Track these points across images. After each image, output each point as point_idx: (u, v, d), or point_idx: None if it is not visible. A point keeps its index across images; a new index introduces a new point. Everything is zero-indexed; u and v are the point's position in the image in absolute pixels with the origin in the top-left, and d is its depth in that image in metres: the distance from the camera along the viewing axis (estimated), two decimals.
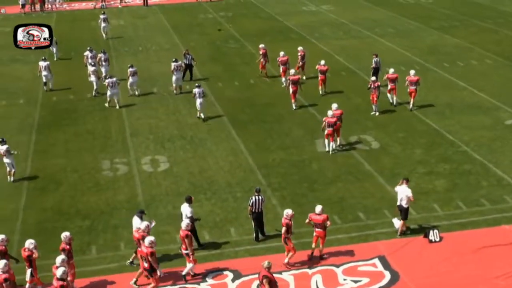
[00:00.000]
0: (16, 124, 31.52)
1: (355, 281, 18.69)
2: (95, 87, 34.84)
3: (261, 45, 37.55)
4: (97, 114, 32.59)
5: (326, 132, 27.04)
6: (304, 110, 32.15)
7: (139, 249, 18.46)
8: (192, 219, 19.79)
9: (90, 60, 36.82)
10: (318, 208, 19.71)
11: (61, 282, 16.64)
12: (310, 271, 19.23)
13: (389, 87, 32.16)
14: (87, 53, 37.74)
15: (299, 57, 36.13)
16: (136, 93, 34.99)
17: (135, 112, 32.69)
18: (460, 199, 23.10)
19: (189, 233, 18.87)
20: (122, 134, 30.06)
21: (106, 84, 33.05)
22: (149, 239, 18.07)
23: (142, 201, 23.82)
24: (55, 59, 41.36)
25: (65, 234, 18.61)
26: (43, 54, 37.36)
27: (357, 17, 52.62)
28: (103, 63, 36.80)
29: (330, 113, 27.14)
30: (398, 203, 20.96)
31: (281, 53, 35.95)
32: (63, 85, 36.83)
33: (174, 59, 35.08)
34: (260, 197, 20.80)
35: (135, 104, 33.86)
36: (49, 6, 59.75)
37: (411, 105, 31.70)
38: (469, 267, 19.21)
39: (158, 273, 18.29)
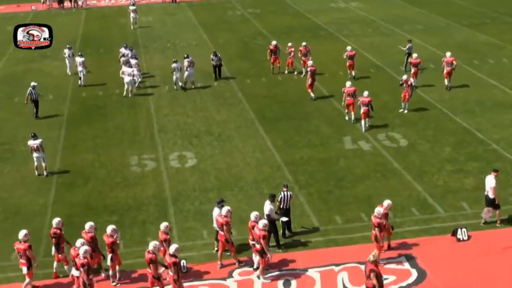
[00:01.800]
0: (45, 120, 31.85)
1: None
2: (140, 79, 36.14)
3: (273, 42, 37.92)
4: (125, 110, 32.82)
5: (362, 111, 28.72)
6: (332, 108, 32.05)
7: (221, 233, 19.19)
8: (270, 218, 19.83)
9: (123, 58, 37.25)
10: (386, 202, 19.75)
11: (174, 259, 17.39)
12: (336, 268, 19.17)
13: (412, 71, 33.61)
14: (122, 49, 38.49)
15: (290, 53, 37.15)
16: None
17: (163, 109, 32.86)
18: None
19: (266, 233, 18.64)
20: (150, 130, 30.24)
21: (121, 72, 34.87)
22: (263, 222, 18.66)
23: (169, 197, 23.93)
24: (69, 73, 38.97)
25: (165, 224, 19.02)
26: (79, 50, 38.06)
27: (386, 14, 52.31)
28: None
29: (365, 93, 28.74)
30: (485, 193, 21.08)
31: (303, 43, 37.14)
32: (92, 81, 37.17)
33: (185, 55, 35.81)
34: (288, 193, 20.80)
35: (163, 100, 34.08)
36: (80, 3, 60.21)
37: (447, 86, 33.53)
38: (497, 266, 19.01)
39: (269, 255, 18.66)
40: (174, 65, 35.30)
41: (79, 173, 26.12)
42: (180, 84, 35.49)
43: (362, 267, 19.11)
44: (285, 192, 20.76)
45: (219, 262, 19.58)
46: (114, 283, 18.92)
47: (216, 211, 19.94)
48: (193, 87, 35.58)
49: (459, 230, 20.42)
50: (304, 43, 37.19)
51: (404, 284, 18.35)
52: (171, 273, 17.67)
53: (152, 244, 17.90)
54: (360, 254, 19.74)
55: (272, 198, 20.43)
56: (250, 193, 23.90)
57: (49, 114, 32.35)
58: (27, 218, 22.54)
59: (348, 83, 30.17)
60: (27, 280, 18.59)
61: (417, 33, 45.66)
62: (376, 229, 19.04)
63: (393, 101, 32.09)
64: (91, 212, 22.89)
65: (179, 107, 33.01)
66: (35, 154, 25.59)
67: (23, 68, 40.66)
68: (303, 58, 36.32)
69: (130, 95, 34.58)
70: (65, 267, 19.14)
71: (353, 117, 29.87)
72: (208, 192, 24.17)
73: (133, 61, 35.79)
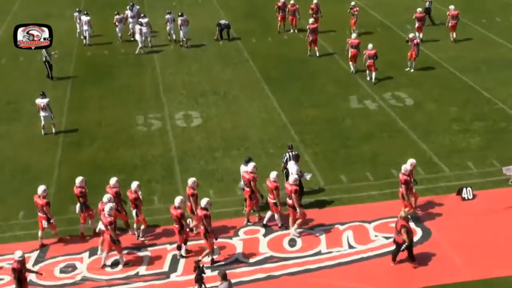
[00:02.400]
0: (51, 79, 31.77)
1: (387, 237, 18.61)
2: (148, 38, 36.15)
3: None
4: (131, 70, 32.77)
5: (367, 63, 29.43)
6: (337, 67, 31.93)
7: (246, 189, 19.40)
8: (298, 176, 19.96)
9: (118, 16, 37.11)
10: (409, 161, 19.62)
11: (205, 212, 17.55)
12: (341, 227, 19.29)
13: (416, 25, 34.23)
14: (127, 12, 38.29)
15: (293, 11, 37.19)
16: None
17: (168, 68, 32.79)
18: (494, 157, 22.82)
19: (297, 188, 18.79)
20: (155, 89, 30.21)
21: (130, 28, 36.18)
22: (293, 176, 18.83)
23: (175, 156, 24.01)
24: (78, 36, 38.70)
25: (192, 179, 19.07)
26: (85, 9, 38.40)
27: None
28: (131, 20, 37.18)
29: (370, 46, 29.27)
30: None
31: (314, 1, 37.19)
32: (97, 40, 37.05)
33: (180, 13, 35.88)
34: (294, 153, 20.83)
35: (169, 60, 33.98)
36: None
37: (452, 38, 34.17)
38: (502, 224, 19.08)
39: (300, 210, 18.77)
40: (167, 16, 36.16)
41: (86, 132, 26.19)
42: (170, 37, 36.37)
43: (367, 225, 19.31)
44: (290, 153, 20.78)
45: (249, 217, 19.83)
46: (142, 238, 19.25)
47: (243, 168, 20.05)
48: (187, 45, 35.63)
49: (464, 189, 20.47)
50: (315, 1, 36.98)
51: None
52: (201, 227, 17.78)
53: (179, 200, 17.94)
54: (365, 213, 19.88)
55: (297, 158, 20.58)
56: (256, 153, 23.92)
57: (54, 74, 32.27)
58: (35, 177, 22.66)
59: (354, 35, 31.42)
60: (53, 231, 18.97)
61: None
62: (403, 186, 19.05)
63: (399, 60, 31.88)
64: (98, 171, 22.97)
65: (184, 67, 32.93)
66: (42, 113, 25.64)
67: None
68: (314, 15, 35.98)
69: (136, 52, 34.50)
70: (81, 224, 19.32)
71: (354, 69, 30.60)
72: (213, 151, 24.23)
73: (144, 20, 35.59)
